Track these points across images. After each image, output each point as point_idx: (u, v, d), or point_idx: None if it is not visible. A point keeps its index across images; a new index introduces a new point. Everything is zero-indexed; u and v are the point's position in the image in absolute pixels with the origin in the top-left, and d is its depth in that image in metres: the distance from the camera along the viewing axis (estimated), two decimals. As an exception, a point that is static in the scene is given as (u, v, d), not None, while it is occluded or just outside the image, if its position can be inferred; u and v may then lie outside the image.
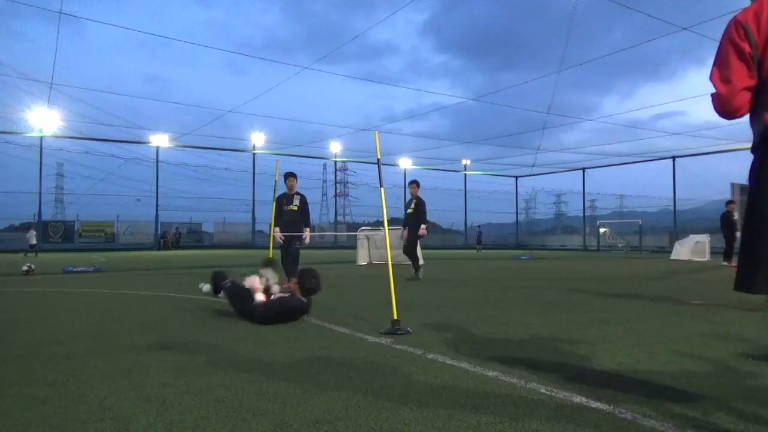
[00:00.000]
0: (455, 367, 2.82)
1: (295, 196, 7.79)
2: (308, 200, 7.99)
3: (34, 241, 23.10)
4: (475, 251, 30.55)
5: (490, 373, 2.68)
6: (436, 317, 4.64)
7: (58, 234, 32.19)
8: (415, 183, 9.26)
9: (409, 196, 9.42)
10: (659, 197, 38.69)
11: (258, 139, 35.27)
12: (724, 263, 13.29)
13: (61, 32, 18.25)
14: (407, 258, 9.32)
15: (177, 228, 37.90)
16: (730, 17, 1.85)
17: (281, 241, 7.51)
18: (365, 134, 36.24)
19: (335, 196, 50.42)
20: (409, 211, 9.15)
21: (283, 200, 7.64)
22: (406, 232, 9.14)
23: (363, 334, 3.80)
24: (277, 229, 7.47)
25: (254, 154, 35.81)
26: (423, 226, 8.97)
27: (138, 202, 35.53)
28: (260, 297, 4.44)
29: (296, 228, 7.65)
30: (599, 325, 4.17)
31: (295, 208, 7.70)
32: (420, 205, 9.08)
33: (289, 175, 7.85)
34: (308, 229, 7.87)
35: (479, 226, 41.54)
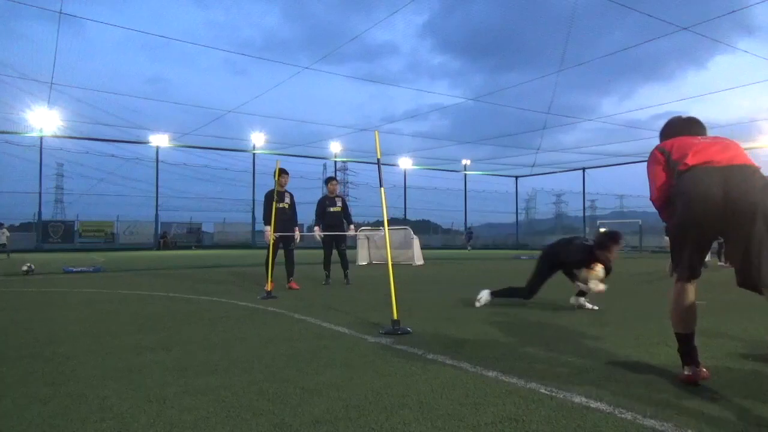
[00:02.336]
0: (455, 367, 2.82)
1: (286, 194, 7.63)
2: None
3: (2, 241, 20.85)
4: (467, 250, 30.68)
5: (490, 373, 2.68)
6: (436, 317, 4.64)
7: (58, 234, 32.20)
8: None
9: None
10: (659, 197, 38.62)
11: (258, 139, 35.29)
12: (721, 263, 13.27)
13: (62, 32, 18.33)
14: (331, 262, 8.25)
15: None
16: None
17: (272, 240, 7.05)
18: (365, 134, 36.25)
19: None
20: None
21: (275, 198, 7.27)
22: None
23: (363, 334, 3.80)
24: (269, 228, 7.01)
25: (254, 154, 35.83)
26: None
27: (137, 203, 35.70)
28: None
29: (289, 227, 7.54)
30: (599, 325, 4.17)
31: (287, 206, 7.57)
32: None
33: (284, 172, 7.61)
34: (297, 228, 7.81)
35: (470, 226, 41.84)
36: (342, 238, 8.28)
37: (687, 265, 2.50)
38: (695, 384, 2.45)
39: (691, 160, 2.48)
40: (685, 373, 2.51)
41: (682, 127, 2.80)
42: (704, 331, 3.91)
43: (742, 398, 2.27)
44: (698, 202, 2.38)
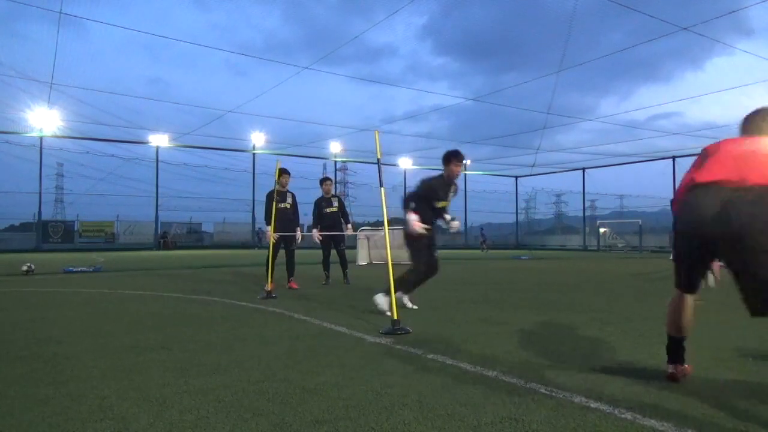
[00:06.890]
0: (455, 367, 2.82)
1: (287, 193, 7.66)
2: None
3: None
4: (481, 251, 30.27)
5: (490, 373, 2.68)
6: (436, 317, 4.64)
7: (58, 234, 32.17)
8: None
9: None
10: (659, 197, 38.77)
11: (258, 139, 35.29)
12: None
13: (64, 33, 18.33)
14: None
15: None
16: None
17: (273, 241, 7.16)
18: (365, 134, 36.26)
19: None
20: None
21: (276, 198, 7.31)
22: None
23: (363, 334, 3.80)
24: (270, 228, 7.07)
25: (254, 154, 35.83)
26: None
27: (137, 203, 35.30)
28: None
29: (291, 227, 7.57)
30: (599, 325, 4.17)
31: (288, 206, 7.59)
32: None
33: (285, 172, 7.64)
34: (299, 228, 7.84)
35: (482, 227, 41.14)
36: (340, 238, 8.28)
37: None
38: (676, 381, 2.52)
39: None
40: (669, 371, 2.56)
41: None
42: (703, 331, 3.91)
43: (742, 398, 2.27)
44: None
